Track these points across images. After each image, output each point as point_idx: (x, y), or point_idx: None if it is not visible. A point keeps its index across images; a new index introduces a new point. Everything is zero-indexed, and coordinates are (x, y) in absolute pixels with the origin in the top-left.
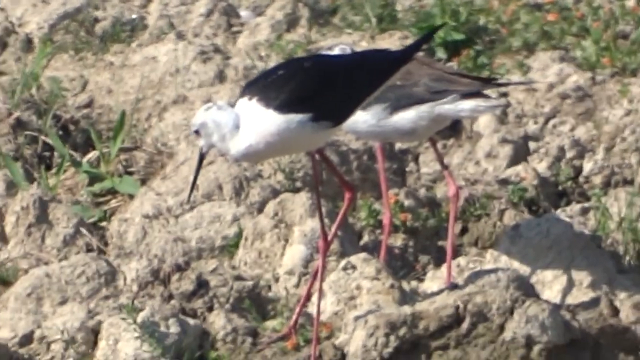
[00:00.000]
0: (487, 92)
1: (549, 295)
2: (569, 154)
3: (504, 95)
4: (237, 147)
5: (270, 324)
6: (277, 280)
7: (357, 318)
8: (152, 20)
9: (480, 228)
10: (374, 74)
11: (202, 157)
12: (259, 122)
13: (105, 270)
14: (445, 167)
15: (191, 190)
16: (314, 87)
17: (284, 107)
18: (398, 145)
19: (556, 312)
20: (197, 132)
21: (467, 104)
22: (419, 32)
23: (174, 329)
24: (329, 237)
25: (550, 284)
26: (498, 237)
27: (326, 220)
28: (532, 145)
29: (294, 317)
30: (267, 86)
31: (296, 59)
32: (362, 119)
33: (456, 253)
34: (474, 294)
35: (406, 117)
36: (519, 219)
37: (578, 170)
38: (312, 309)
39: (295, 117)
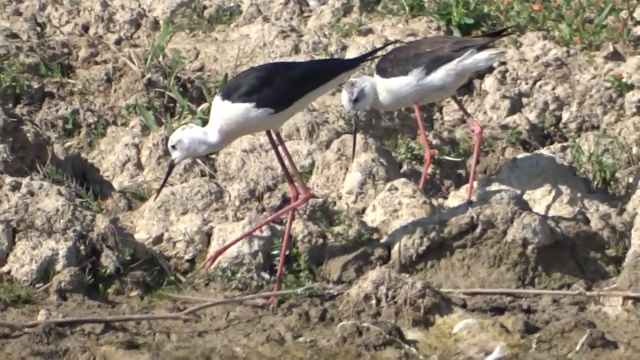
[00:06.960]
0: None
1: (538, 209)
2: (552, 107)
3: (503, 64)
4: (213, 135)
5: (335, 229)
6: (340, 198)
7: (399, 226)
8: (245, 7)
9: (488, 161)
10: (313, 76)
11: (172, 166)
12: (222, 111)
13: (215, 190)
14: (468, 114)
15: (160, 189)
16: (259, 84)
17: (236, 99)
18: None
19: (544, 221)
20: (173, 147)
21: (483, 55)
22: (440, 17)
23: (265, 232)
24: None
25: (540, 201)
26: (501, 167)
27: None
28: (524, 100)
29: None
30: (229, 86)
31: (259, 66)
32: (405, 82)
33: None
34: (484, 207)
35: (438, 76)
36: (516, 154)
37: (558, 119)
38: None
39: (242, 105)
